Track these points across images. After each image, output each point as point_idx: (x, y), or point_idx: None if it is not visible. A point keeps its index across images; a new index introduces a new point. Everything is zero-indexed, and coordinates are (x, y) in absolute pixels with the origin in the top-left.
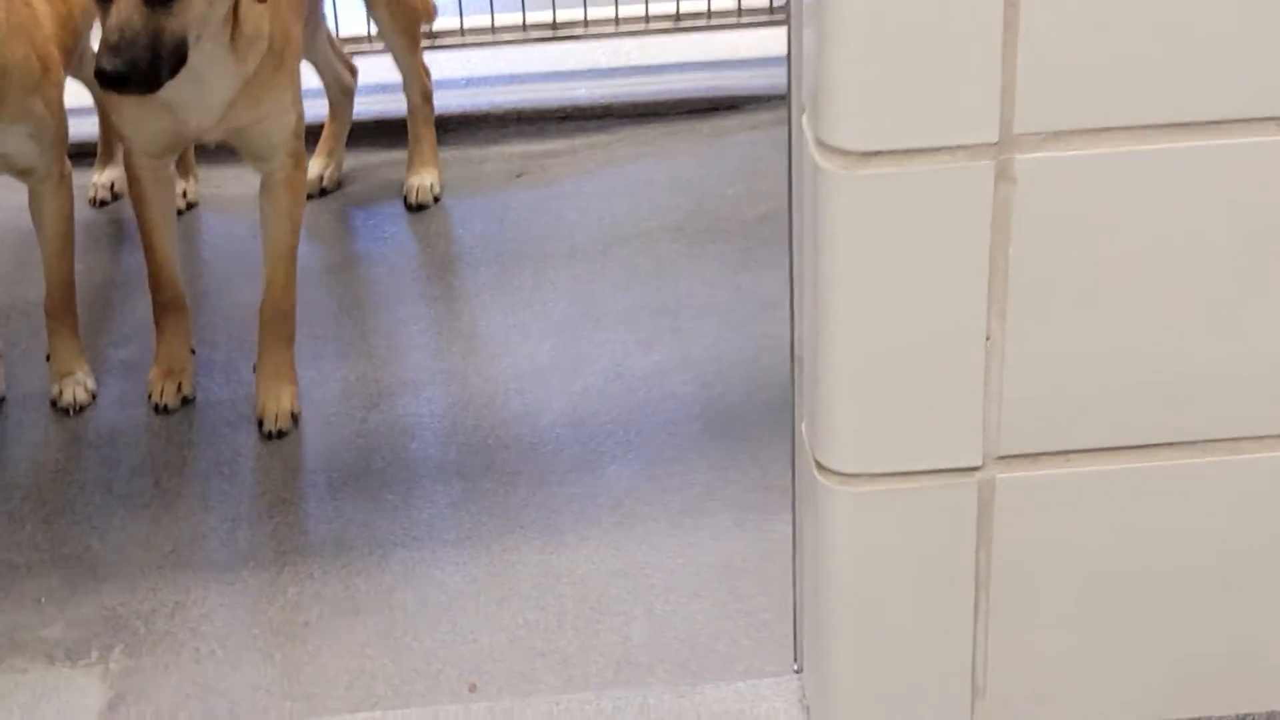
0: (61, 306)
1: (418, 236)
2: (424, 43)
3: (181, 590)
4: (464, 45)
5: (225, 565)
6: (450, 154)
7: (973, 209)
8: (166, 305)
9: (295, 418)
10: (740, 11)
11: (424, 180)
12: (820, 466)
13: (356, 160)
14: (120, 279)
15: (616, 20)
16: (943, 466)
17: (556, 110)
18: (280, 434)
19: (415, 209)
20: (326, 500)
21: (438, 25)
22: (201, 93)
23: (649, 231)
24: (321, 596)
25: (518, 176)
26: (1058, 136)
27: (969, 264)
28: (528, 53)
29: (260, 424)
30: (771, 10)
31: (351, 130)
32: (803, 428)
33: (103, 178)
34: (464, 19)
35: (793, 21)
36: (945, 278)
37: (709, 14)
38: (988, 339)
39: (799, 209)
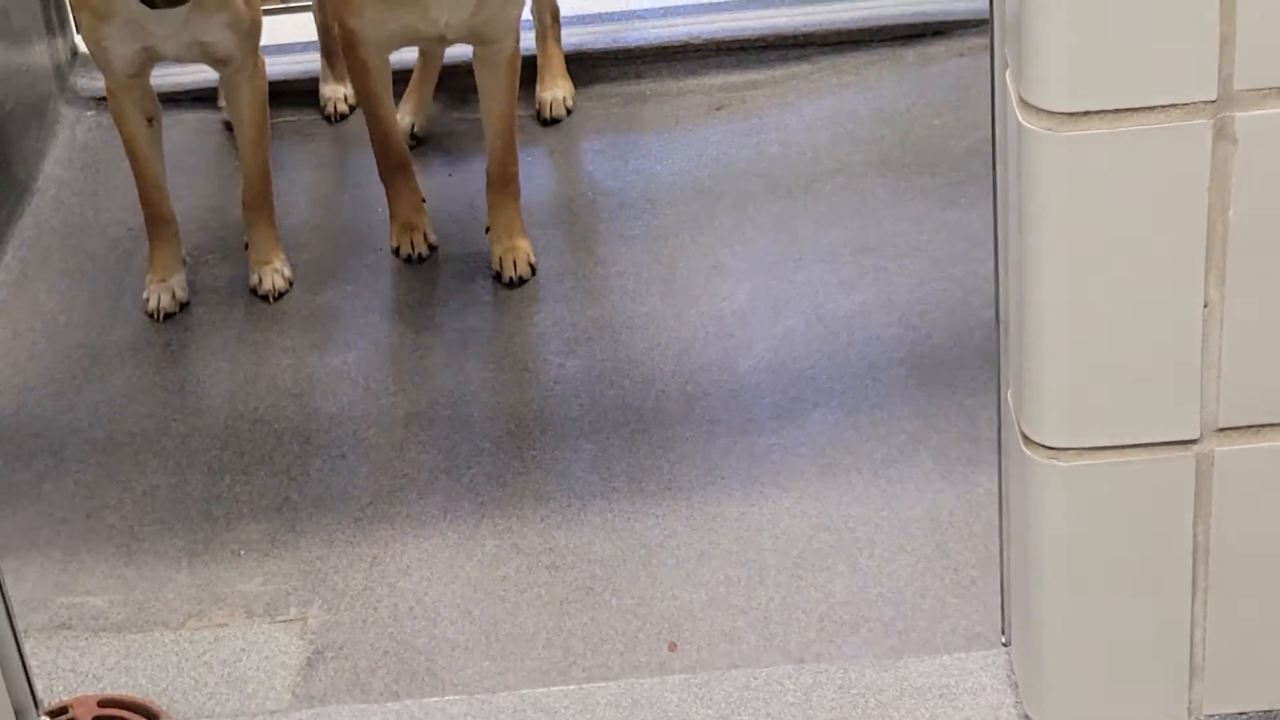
0: (259, 196)
1: (616, 174)
2: None
3: (379, 544)
4: None
5: (423, 518)
6: (647, 87)
7: (1189, 171)
8: (395, 167)
9: (533, 267)
10: None
11: (556, 94)
12: (1027, 439)
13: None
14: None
15: None
16: (1158, 440)
17: (756, 39)
18: (521, 280)
19: (550, 123)
20: (524, 450)
21: None
22: None
23: (852, 165)
24: (520, 550)
25: (717, 109)
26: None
27: (1185, 228)
28: None
29: (499, 276)
30: None
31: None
32: (1008, 396)
33: (336, 91)
34: None
35: None
36: (1159, 243)
37: None
38: (1205, 306)
39: (1002, 165)
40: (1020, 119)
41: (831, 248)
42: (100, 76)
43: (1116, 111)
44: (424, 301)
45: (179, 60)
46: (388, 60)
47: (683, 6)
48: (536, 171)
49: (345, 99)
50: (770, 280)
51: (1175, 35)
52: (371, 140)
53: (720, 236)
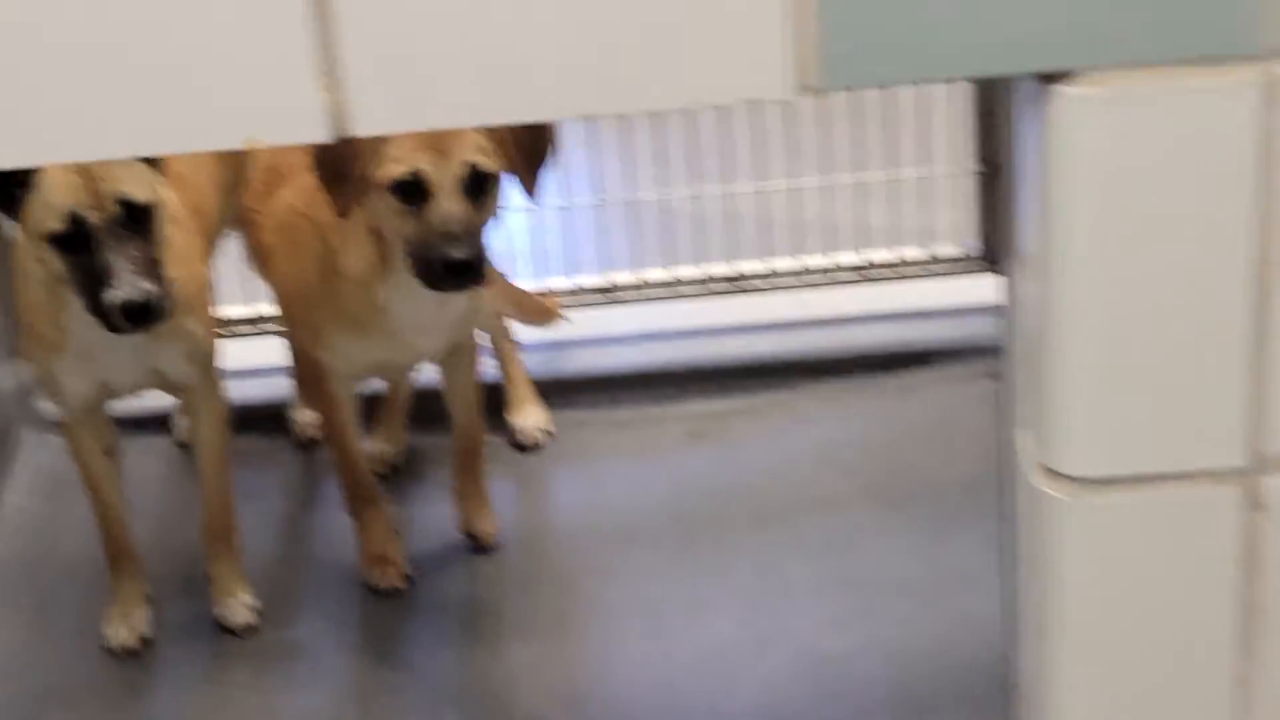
0: (221, 524)
1: (592, 505)
2: (601, 298)
3: None
4: (643, 299)
5: None
6: (624, 414)
7: (1217, 541)
8: (364, 500)
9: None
10: (934, 260)
11: (529, 421)
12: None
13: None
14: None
15: (802, 271)
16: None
17: (738, 366)
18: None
19: (527, 449)
20: None
21: (617, 279)
22: (442, 310)
23: (837, 497)
24: None
25: (697, 437)
26: None
27: (1213, 601)
28: (708, 306)
29: (472, 538)
30: (967, 258)
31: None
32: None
33: (306, 415)
34: (641, 272)
35: (1012, 341)
36: (1186, 616)
37: (900, 263)
38: (1236, 685)
39: (1012, 528)
40: (1040, 485)
41: (818, 583)
42: None
43: (1140, 478)
44: (395, 637)
45: (135, 392)
46: (354, 391)
47: (661, 332)
48: (509, 501)
49: (316, 424)
50: (756, 616)
51: (1203, 399)
52: (338, 473)
53: (702, 568)
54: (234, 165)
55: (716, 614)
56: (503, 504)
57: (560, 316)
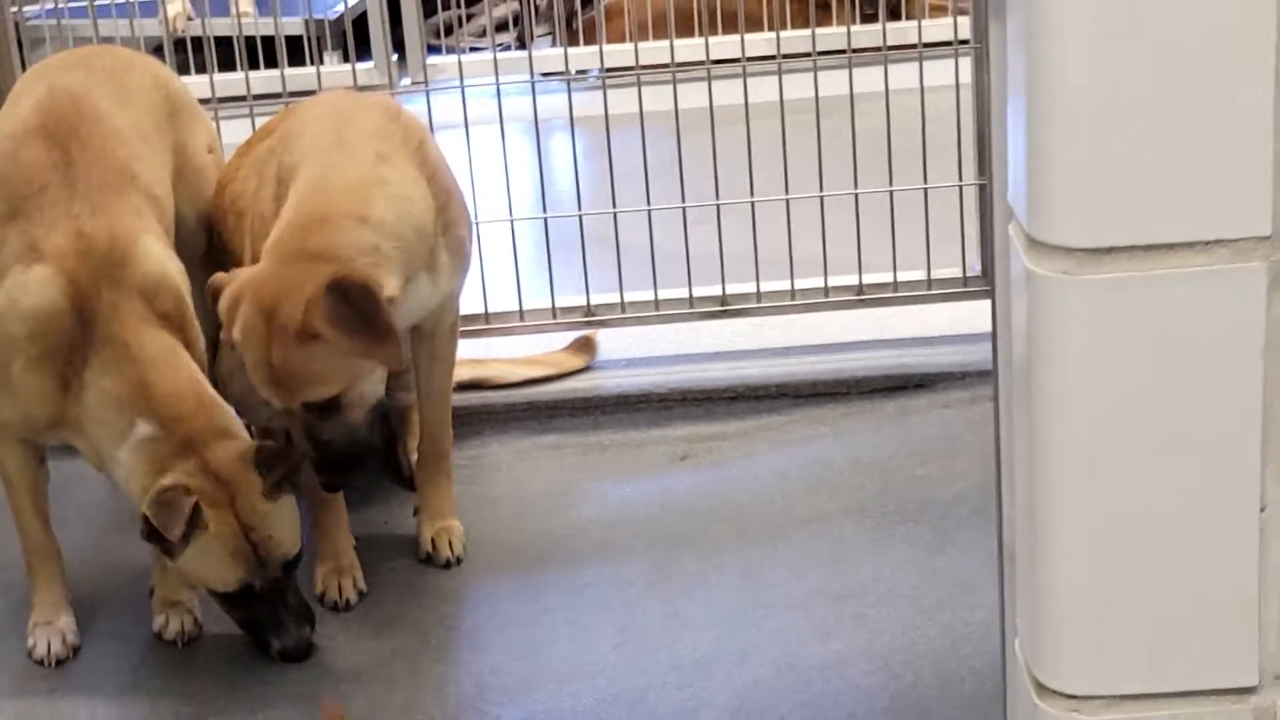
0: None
1: (569, 522)
2: (584, 318)
3: None
4: (625, 322)
5: None
6: (606, 437)
7: (1240, 329)
8: (326, 504)
9: (464, 549)
10: (930, 283)
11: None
12: (1041, 687)
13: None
14: None
15: (793, 293)
16: (1206, 687)
17: (725, 390)
18: (457, 561)
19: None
20: None
21: (596, 300)
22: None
23: (828, 514)
24: None
25: (681, 459)
26: None
27: (1235, 405)
28: (695, 329)
29: (430, 558)
30: (964, 282)
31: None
32: (1015, 644)
33: None
34: (625, 294)
35: (995, 104)
36: (1203, 424)
37: (895, 285)
38: (1263, 510)
39: (1004, 341)
40: (1028, 264)
41: (805, 596)
42: None
43: (1147, 248)
44: (352, 650)
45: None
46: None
47: (648, 357)
48: (480, 518)
49: None
50: (737, 629)
51: (1219, 156)
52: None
53: (682, 585)
54: None
55: (694, 627)
56: (472, 520)
57: (588, 355)
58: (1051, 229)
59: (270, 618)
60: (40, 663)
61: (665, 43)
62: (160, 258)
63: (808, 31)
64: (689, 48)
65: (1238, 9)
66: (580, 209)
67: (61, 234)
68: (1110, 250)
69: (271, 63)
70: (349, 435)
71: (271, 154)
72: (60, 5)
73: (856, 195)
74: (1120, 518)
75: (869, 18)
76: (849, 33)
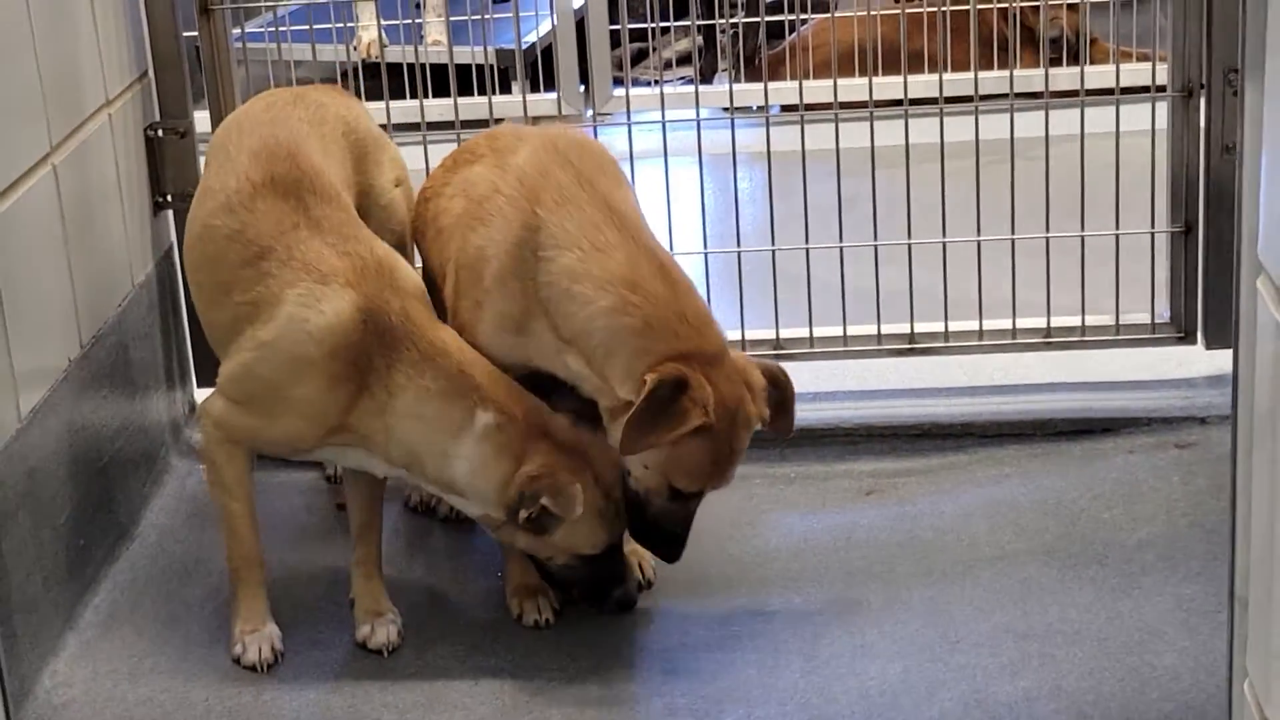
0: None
1: (756, 551)
2: (774, 350)
3: None
4: (813, 356)
5: None
6: (793, 469)
7: None
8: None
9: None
10: (1118, 328)
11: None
12: None
13: None
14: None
15: (980, 334)
16: None
17: (911, 427)
18: (649, 584)
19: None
20: None
21: (785, 334)
22: None
23: (1014, 554)
24: None
25: (867, 494)
26: None
27: None
28: (881, 366)
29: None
30: (1153, 328)
31: None
32: (1245, 687)
33: None
34: (814, 329)
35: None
36: None
37: (1083, 329)
38: None
39: (1245, 389)
40: (1278, 316)
41: (992, 633)
42: None
43: None
44: (546, 668)
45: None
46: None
47: (834, 391)
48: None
49: None
50: (924, 663)
51: None
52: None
53: (869, 617)
54: None
55: (881, 658)
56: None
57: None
58: None
59: (619, 571)
60: (252, 668)
61: (857, 80)
62: (411, 270)
63: (1004, 73)
64: (883, 86)
65: None
66: (774, 244)
67: (332, 256)
68: None
69: (463, 91)
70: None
71: (491, 187)
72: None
73: (1047, 239)
74: None
75: (1055, 61)
76: (1046, 75)
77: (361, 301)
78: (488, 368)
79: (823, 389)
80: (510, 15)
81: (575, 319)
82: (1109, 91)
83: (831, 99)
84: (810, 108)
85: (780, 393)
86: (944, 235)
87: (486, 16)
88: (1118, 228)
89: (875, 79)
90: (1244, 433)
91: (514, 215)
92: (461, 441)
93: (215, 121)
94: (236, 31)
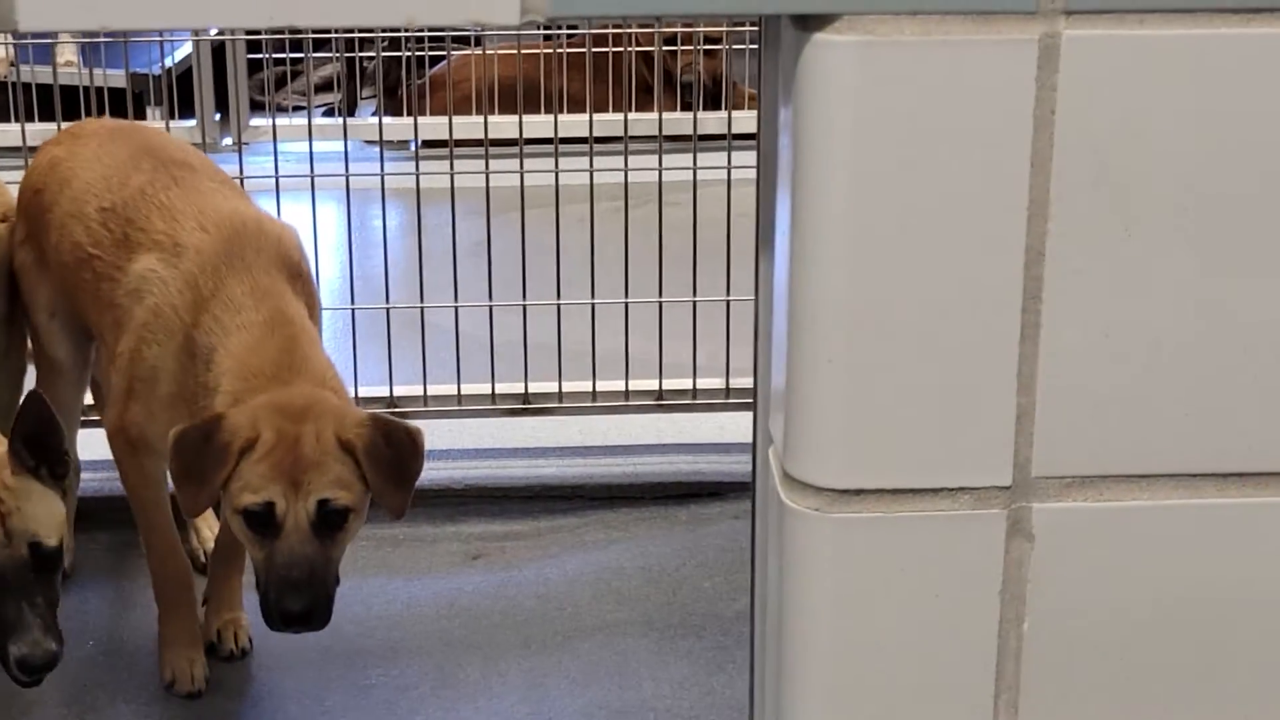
0: None
1: (356, 619)
2: (387, 409)
3: None
4: (426, 414)
5: None
6: (401, 531)
7: (979, 571)
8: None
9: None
10: (729, 391)
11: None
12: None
13: None
14: None
15: (594, 395)
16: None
17: (522, 488)
18: (243, 653)
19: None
20: None
21: (399, 392)
22: None
23: (614, 624)
24: None
25: (474, 559)
26: (1084, 484)
27: (972, 640)
28: (495, 426)
29: (214, 648)
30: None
31: None
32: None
33: None
34: (428, 387)
35: (760, 329)
36: (943, 658)
37: (694, 393)
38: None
39: (761, 560)
40: (783, 497)
41: (586, 709)
42: None
43: (895, 492)
44: None
45: None
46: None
47: (446, 450)
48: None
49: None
50: None
51: (967, 409)
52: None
53: (465, 692)
54: None
55: None
56: (256, 614)
57: None
58: (805, 468)
59: (14, 616)
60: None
61: (508, 118)
62: None
63: (653, 115)
64: (533, 125)
65: (986, 273)
66: (388, 297)
67: None
68: (859, 492)
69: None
70: (324, 565)
71: (139, 230)
72: None
73: (660, 304)
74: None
75: (688, 107)
76: (694, 120)
77: None
78: None
79: (436, 447)
80: (149, 40)
81: None
82: (722, 137)
83: (482, 135)
84: (460, 144)
85: (394, 452)
86: (558, 285)
87: (120, 40)
88: (729, 291)
89: (525, 118)
90: (759, 608)
91: None
92: None
93: None
94: None
